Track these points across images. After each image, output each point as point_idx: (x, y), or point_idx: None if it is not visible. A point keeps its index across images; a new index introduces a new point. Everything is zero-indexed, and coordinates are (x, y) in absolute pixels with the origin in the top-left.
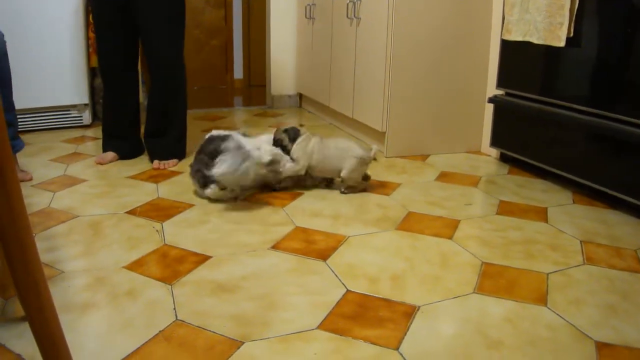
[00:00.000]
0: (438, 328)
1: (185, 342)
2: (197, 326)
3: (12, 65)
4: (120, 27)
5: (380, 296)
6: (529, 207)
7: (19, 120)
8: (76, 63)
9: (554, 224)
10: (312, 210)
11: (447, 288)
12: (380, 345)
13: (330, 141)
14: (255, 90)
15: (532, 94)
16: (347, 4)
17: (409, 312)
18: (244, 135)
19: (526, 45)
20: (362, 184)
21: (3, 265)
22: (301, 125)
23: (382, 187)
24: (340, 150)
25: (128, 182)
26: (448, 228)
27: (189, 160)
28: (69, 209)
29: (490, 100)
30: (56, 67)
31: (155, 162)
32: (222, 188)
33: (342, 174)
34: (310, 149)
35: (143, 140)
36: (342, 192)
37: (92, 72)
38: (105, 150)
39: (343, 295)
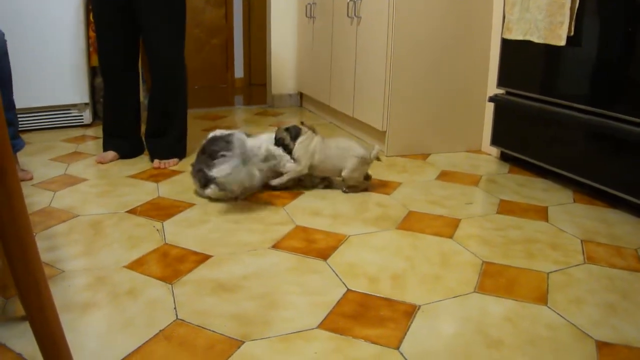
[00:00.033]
0: (438, 327)
1: (185, 341)
2: (198, 325)
3: (13, 64)
4: (121, 26)
5: (381, 295)
6: (530, 206)
7: (20, 119)
8: (76, 62)
9: (554, 223)
10: (313, 209)
11: (448, 287)
12: (381, 345)
13: (331, 141)
14: (255, 90)
15: (532, 93)
16: (348, 3)
17: (410, 312)
18: (247, 135)
19: (527, 44)
20: (363, 184)
21: (3, 264)
22: (302, 123)
23: (383, 186)
24: (341, 150)
25: (128, 181)
26: (448, 227)
27: (189, 159)
28: (70, 208)
29: (491, 99)
30: (56, 67)
31: (156, 161)
32: (222, 189)
33: (343, 174)
34: (312, 149)
35: (144, 140)
36: (344, 192)
37: (92, 72)
38: (105, 149)
39: (343, 295)
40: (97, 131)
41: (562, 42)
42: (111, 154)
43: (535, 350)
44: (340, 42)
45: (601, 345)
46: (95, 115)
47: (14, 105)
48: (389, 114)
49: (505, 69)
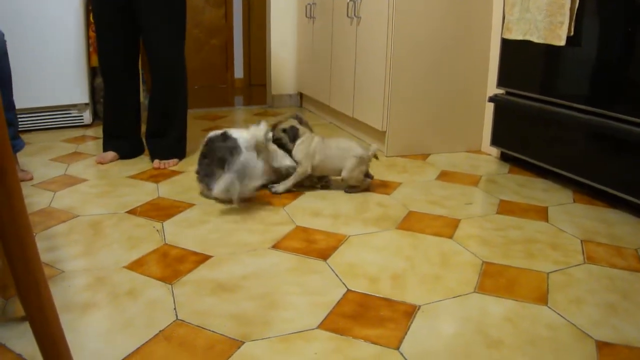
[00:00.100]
0: (438, 327)
1: (185, 341)
2: (198, 326)
3: (13, 64)
4: (121, 27)
5: (381, 296)
6: (530, 206)
7: (20, 119)
8: (76, 62)
9: (554, 223)
10: (313, 209)
11: (448, 287)
12: (381, 345)
13: (331, 141)
14: (255, 90)
15: (532, 93)
16: (348, 3)
17: (410, 312)
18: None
19: (526, 44)
20: (364, 183)
21: (3, 264)
22: (297, 117)
23: (383, 187)
24: (341, 150)
25: (128, 181)
26: (448, 227)
27: (189, 159)
28: (70, 209)
29: (491, 99)
30: (56, 67)
31: (156, 161)
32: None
33: (342, 174)
34: (312, 150)
35: (144, 140)
36: (347, 192)
37: (92, 72)
38: (105, 149)
39: (343, 295)
40: (97, 131)
41: (562, 42)
42: (111, 154)
43: (535, 350)
44: (340, 42)
45: (601, 345)
46: (95, 115)
47: (14, 106)
48: (388, 114)
49: (505, 69)
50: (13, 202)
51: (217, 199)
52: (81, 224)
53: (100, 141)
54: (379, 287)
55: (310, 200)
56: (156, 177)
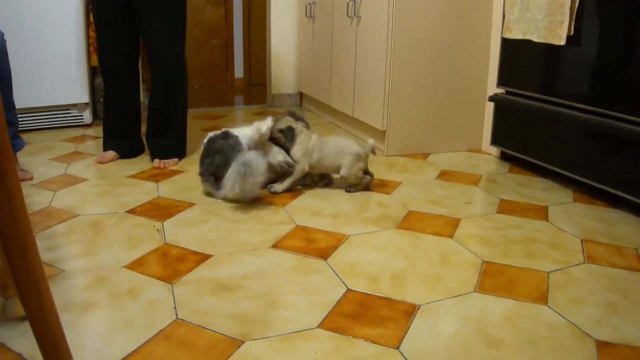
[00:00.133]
0: (438, 327)
1: (185, 341)
2: (198, 325)
3: (13, 64)
4: (121, 26)
5: (381, 295)
6: (530, 206)
7: (20, 119)
8: (76, 62)
9: (554, 223)
10: (313, 209)
11: (448, 287)
12: (381, 344)
13: (329, 139)
14: (255, 89)
15: (532, 93)
16: (348, 3)
17: (410, 311)
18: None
19: (526, 43)
20: (364, 181)
21: (3, 264)
22: (292, 114)
23: (383, 186)
24: (339, 148)
25: (128, 181)
26: (448, 227)
27: (189, 159)
28: (70, 208)
29: (491, 98)
30: (56, 66)
31: (156, 161)
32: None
33: (342, 172)
34: (310, 148)
35: (144, 140)
36: (347, 191)
37: (92, 71)
38: (105, 149)
39: (343, 294)
40: (97, 131)
41: (562, 42)
42: (111, 153)
43: (535, 349)
44: (340, 41)
45: (601, 345)
46: (95, 115)
47: (14, 105)
48: (388, 113)
49: (505, 68)
50: (13, 201)
51: (225, 199)
52: (81, 224)
53: (100, 141)
54: (379, 287)
55: (310, 199)
56: (156, 176)
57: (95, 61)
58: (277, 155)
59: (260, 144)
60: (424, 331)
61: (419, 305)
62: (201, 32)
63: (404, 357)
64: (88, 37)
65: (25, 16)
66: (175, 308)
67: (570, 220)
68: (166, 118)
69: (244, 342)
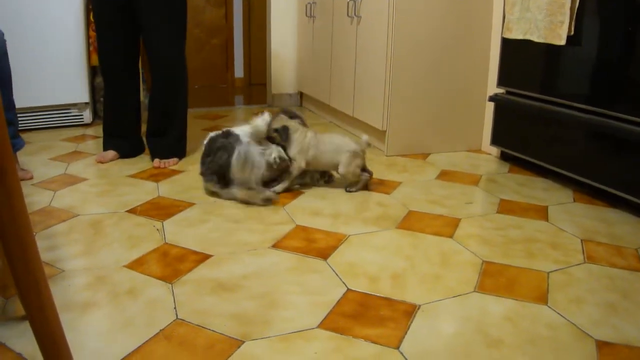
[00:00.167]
0: (438, 327)
1: (185, 341)
2: (198, 325)
3: (13, 64)
4: (121, 26)
5: (381, 295)
6: (530, 206)
7: (20, 119)
8: (77, 62)
9: (554, 223)
10: (313, 209)
11: (448, 287)
12: (381, 344)
13: (325, 136)
14: (255, 89)
15: (532, 93)
16: (348, 3)
17: (410, 311)
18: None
19: (527, 43)
20: (362, 178)
21: (3, 264)
22: (286, 112)
23: (383, 186)
24: (335, 145)
25: (128, 180)
26: (449, 227)
27: (189, 159)
28: (70, 208)
29: (491, 98)
30: (57, 66)
31: (156, 160)
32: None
33: (339, 170)
34: (306, 145)
35: (145, 139)
36: (347, 191)
37: (92, 71)
38: (105, 148)
39: (343, 294)
40: (97, 130)
41: (562, 42)
42: (111, 153)
43: (535, 349)
44: (340, 41)
45: (601, 345)
46: (95, 114)
47: (14, 105)
48: (389, 113)
49: (506, 68)
50: (13, 201)
51: (235, 199)
52: (81, 223)
53: (101, 140)
54: (379, 287)
55: (310, 199)
56: (156, 176)
57: (95, 61)
58: (273, 153)
59: (257, 141)
60: (424, 331)
61: (419, 305)
62: (202, 32)
63: (404, 357)
64: (88, 36)
65: (25, 16)
66: (175, 308)
67: (570, 220)
68: (166, 118)
69: (244, 342)
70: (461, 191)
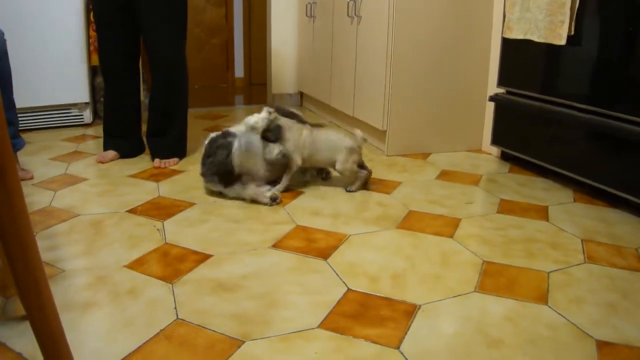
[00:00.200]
0: (439, 327)
1: (185, 341)
2: (198, 325)
3: (13, 64)
4: (121, 26)
5: (381, 295)
6: (530, 206)
7: (20, 118)
8: (77, 62)
9: (554, 223)
10: (313, 208)
11: (448, 287)
12: (381, 344)
13: (320, 133)
14: (256, 89)
15: (533, 93)
16: (348, 3)
17: (410, 311)
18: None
19: (527, 43)
20: (361, 175)
21: (4, 264)
22: (279, 110)
23: (383, 186)
24: (330, 142)
25: (129, 180)
26: (449, 227)
27: (189, 159)
28: (70, 208)
29: (491, 98)
30: (57, 66)
31: (156, 160)
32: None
33: (337, 167)
34: (301, 143)
35: (145, 139)
36: (347, 191)
37: (92, 71)
38: (106, 148)
39: (344, 294)
40: (98, 130)
41: (563, 42)
42: (111, 153)
43: (535, 349)
44: (341, 41)
45: (601, 345)
46: (95, 114)
47: (14, 105)
48: (389, 113)
49: (506, 68)
50: (13, 201)
51: (239, 198)
52: (82, 223)
53: (101, 140)
54: (379, 287)
55: (310, 199)
56: (157, 176)
57: (95, 61)
58: (274, 150)
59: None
60: (424, 331)
61: (419, 305)
62: (202, 32)
63: (404, 357)
64: (88, 36)
65: (25, 16)
66: (175, 308)
67: (570, 220)
68: (166, 118)
69: (244, 342)
70: (461, 191)
